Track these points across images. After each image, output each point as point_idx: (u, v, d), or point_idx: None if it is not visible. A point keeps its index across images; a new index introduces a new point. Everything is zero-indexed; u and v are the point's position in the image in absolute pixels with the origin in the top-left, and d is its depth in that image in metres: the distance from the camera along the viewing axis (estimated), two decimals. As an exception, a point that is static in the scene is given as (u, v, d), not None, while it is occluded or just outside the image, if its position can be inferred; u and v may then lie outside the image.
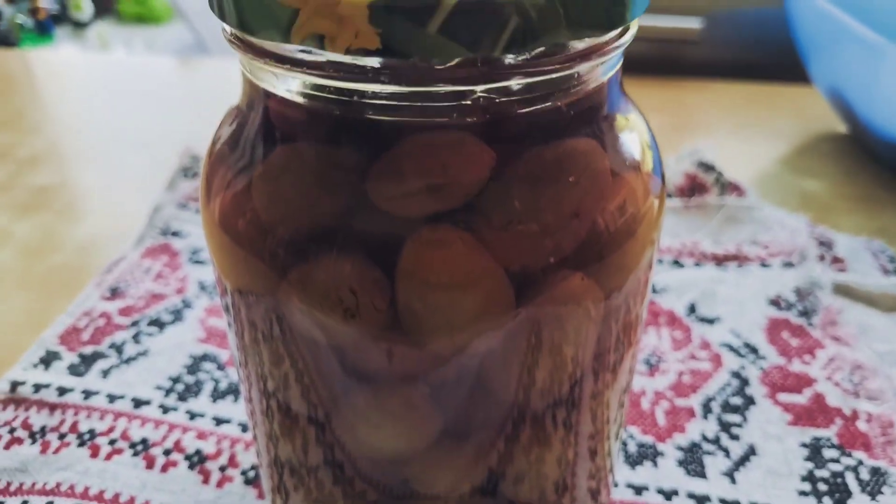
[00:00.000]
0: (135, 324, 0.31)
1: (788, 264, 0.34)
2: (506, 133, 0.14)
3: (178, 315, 0.31)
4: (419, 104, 0.13)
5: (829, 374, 0.28)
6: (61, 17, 2.21)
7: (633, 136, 0.16)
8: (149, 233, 0.36)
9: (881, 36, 0.37)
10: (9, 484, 0.24)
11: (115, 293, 0.32)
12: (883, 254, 0.36)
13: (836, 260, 0.34)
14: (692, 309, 0.32)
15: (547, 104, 0.14)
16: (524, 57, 0.12)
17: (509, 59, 0.12)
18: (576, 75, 0.13)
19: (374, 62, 0.12)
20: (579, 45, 0.13)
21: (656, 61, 0.59)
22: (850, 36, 0.38)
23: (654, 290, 0.33)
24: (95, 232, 0.39)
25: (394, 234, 0.14)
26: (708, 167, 0.38)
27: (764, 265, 0.34)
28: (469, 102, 0.13)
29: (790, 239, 0.35)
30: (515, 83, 0.13)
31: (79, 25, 2.18)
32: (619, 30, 0.13)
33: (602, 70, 0.14)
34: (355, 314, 0.14)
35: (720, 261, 0.34)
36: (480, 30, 0.11)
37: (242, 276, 0.16)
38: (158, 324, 0.31)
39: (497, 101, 0.13)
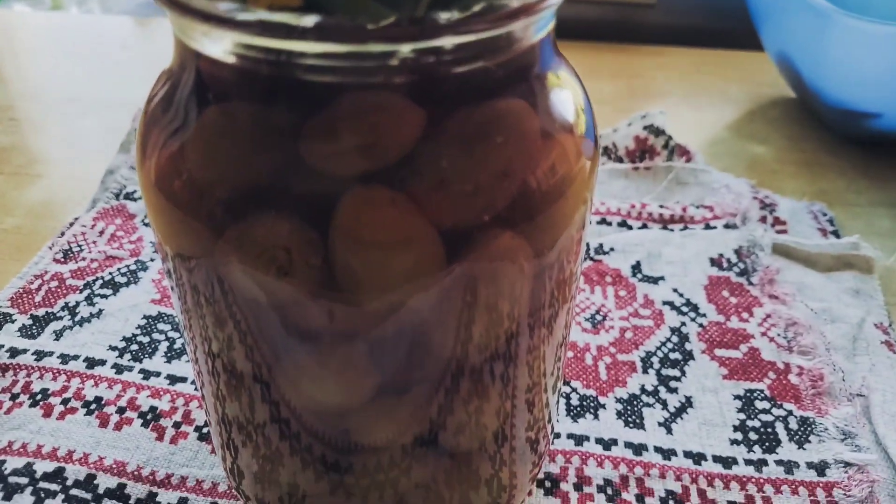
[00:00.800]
0: (88, 285, 0.31)
1: (731, 226, 0.35)
2: (436, 93, 0.14)
3: (132, 276, 0.31)
4: (348, 64, 0.13)
5: (765, 331, 0.30)
6: (13, -27, 2.12)
7: (565, 97, 0.17)
8: (102, 195, 0.36)
9: (828, 2, 0.37)
10: (-39, 443, 0.25)
11: (67, 256, 0.32)
12: (823, 216, 0.37)
13: (777, 222, 0.36)
14: (637, 268, 0.33)
15: (477, 64, 0.14)
16: (453, 17, 0.12)
17: (437, 18, 0.12)
18: (506, 35, 0.14)
19: (299, 20, 0.12)
20: (510, 4, 0.13)
21: (613, 26, 0.60)
22: (799, 2, 0.39)
23: (602, 251, 0.34)
24: (49, 196, 0.38)
25: (327, 193, 0.14)
26: (658, 131, 0.39)
27: (708, 227, 0.35)
28: (398, 63, 0.13)
29: (734, 202, 0.36)
30: (444, 43, 0.13)
31: (31, -18, 2.09)
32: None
33: (534, 30, 0.15)
34: (289, 272, 0.14)
35: (666, 223, 0.35)
36: (403, -9, 0.12)
37: (180, 237, 0.16)
38: (112, 285, 0.31)
39: (427, 61, 0.13)
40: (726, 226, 0.35)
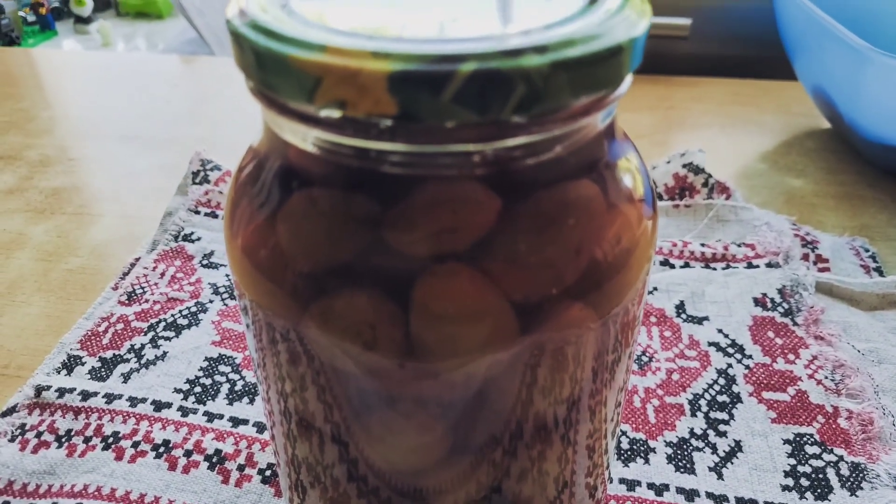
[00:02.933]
0: (152, 328, 0.32)
1: (774, 265, 0.35)
2: (511, 181, 0.15)
3: (193, 319, 0.33)
4: (432, 159, 0.14)
5: (812, 373, 0.30)
6: (62, 11, 2.20)
7: (627, 170, 0.18)
8: (162, 237, 0.37)
9: (865, 41, 0.38)
10: (38, 486, 0.26)
11: (131, 298, 0.34)
12: (865, 252, 0.37)
13: (819, 259, 0.36)
14: (681, 308, 0.33)
15: (549, 154, 0.15)
16: (529, 118, 0.13)
17: (516, 120, 0.13)
18: (576, 127, 0.15)
19: (391, 124, 0.13)
20: (580, 102, 0.14)
21: (647, 58, 0.60)
22: (834, 39, 0.39)
23: (647, 292, 0.34)
24: (109, 235, 0.40)
25: (408, 271, 0.15)
26: (697, 169, 0.39)
27: (750, 265, 0.35)
28: (478, 157, 0.14)
29: (776, 240, 0.36)
30: (520, 141, 0.14)
31: (80, 20, 2.18)
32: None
33: (600, 118, 0.16)
34: (374, 346, 0.15)
35: (708, 261, 0.36)
36: (490, 97, 0.13)
37: (265, 300, 0.17)
38: (175, 327, 0.32)
39: (503, 154, 0.14)
40: (769, 265, 0.35)
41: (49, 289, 0.36)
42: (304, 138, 0.15)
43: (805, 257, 0.36)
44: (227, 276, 0.35)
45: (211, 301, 0.34)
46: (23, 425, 0.28)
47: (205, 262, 0.36)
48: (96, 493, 0.26)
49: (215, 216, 0.39)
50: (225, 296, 0.34)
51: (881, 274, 0.36)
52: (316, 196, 0.16)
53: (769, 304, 0.33)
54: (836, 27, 0.40)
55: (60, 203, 0.42)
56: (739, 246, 0.36)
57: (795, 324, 0.32)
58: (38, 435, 0.28)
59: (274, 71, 0.14)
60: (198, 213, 0.39)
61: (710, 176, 0.39)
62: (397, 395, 0.17)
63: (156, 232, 0.38)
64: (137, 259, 0.36)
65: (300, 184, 0.16)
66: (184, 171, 0.43)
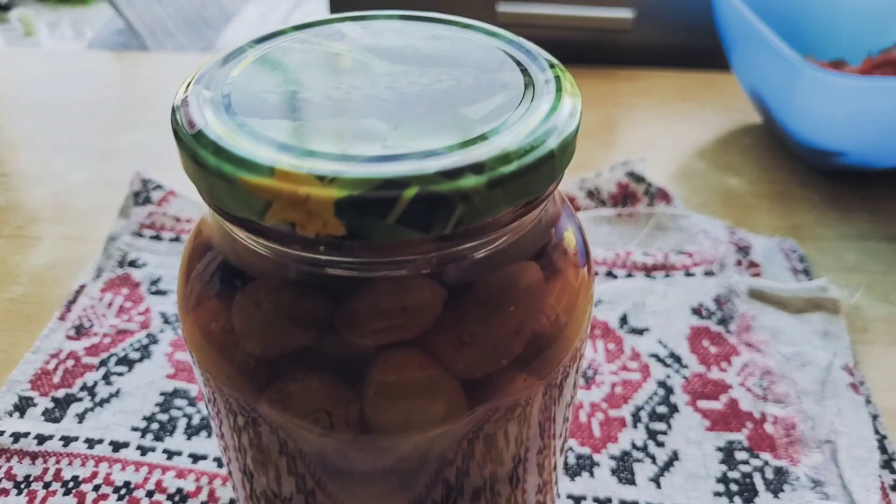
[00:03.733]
0: (103, 363, 0.32)
1: (710, 273, 0.37)
2: (456, 272, 0.16)
3: (145, 351, 0.33)
4: (378, 265, 0.15)
5: (743, 380, 0.32)
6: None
7: (567, 240, 0.19)
8: (106, 264, 0.37)
9: (799, 39, 0.39)
10: (1, 535, 0.26)
11: (80, 331, 0.34)
12: (794, 253, 0.39)
13: (752, 265, 0.38)
14: (624, 320, 0.35)
15: (491, 248, 0.16)
16: (469, 230, 0.14)
17: (459, 233, 0.14)
18: (514, 227, 0.16)
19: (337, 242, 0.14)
20: (517, 207, 0.15)
21: (591, 48, 0.61)
22: (767, 47, 0.41)
23: (591, 303, 0.36)
24: (50, 259, 0.39)
25: (360, 356, 0.16)
26: (638, 178, 0.41)
27: (688, 274, 0.37)
28: (422, 261, 0.15)
29: (712, 247, 0.38)
30: (462, 247, 0.15)
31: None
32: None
33: (538, 211, 0.17)
34: (330, 429, 0.16)
35: (649, 271, 0.37)
36: (432, 217, 0.13)
37: (221, 376, 0.18)
38: (127, 362, 0.32)
39: (447, 256, 0.15)
40: (706, 273, 0.37)
41: (-7, 320, 0.35)
42: (253, 241, 0.16)
43: (738, 263, 0.38)
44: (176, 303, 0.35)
45: (162, 331, 0.34)
46: (-23, 473, 0.28)
47: (153, 288, 0.36)
48: (59, 540, 0.26)
49: (160, 239, 0.38)
50: (176, 324, 0.34)
51: (808, 275, 0.38)
52: (263, 296, 0.16)
53: (704, 313, 0.35)
54: (769, 36, 0.41)
55: (-2, 225, 0.41)
56: (678, 254, 0.38)
57: (728, 331, 0.34)
58: (-5, 482, 0.28)
59: (223, 188, 0.14)
60: (142, 236, 0.38)
61: (650, 185, 0.41)
62: (352, 467, 0.17)
63: (100, 258, 0.37)
64: (82, 287, 0.36)
65: (246, 279, 0.16)
66: (125, 185, 0.42)
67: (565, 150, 0.15)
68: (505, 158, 0.14)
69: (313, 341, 0.16)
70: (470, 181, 0.13)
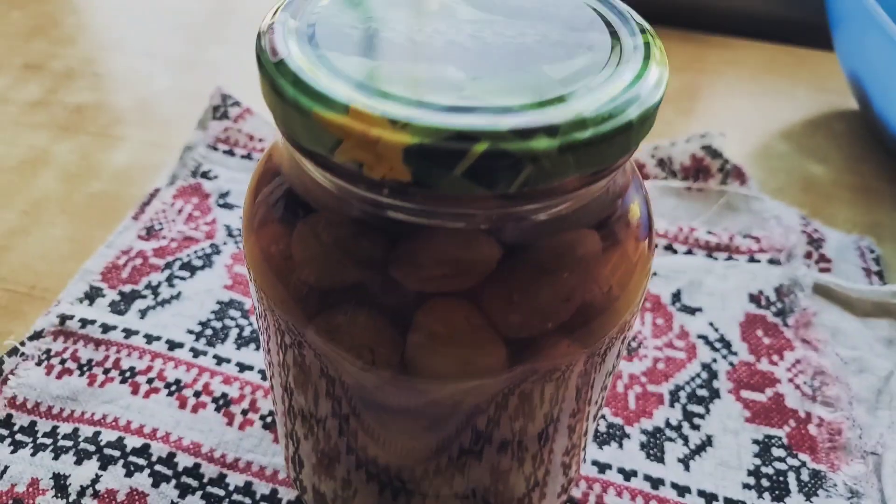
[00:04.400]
0: (168, 266, 0.34)
1: (775, 261, 0.36)
2: (515, 232, 0.16)
3: (207, 260, 0.34)
4: (439, 215, 0.15)
5: (793, 377, 0.31)
6: None
7: (632, 214, 0.19)
8: (181, 172, 0.38)
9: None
10: (62, 410, 0.28)
11: (150, 233, 0.35)
12: (870, 253, 0.38)
13: (822, 259, 0.37)
14: (677, 297, 0.35)
15: (553, 212, 0.16)
16: (535, 192, 0.14)
17: (524, 195, 0.14)
18: (581, 194, 0.15)
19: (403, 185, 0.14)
20: (586, 175, 0.15)
21: (683, 11, 0.59)
22: (877, 27, 0.38)
23: (647, 275, 0.35)
24: (130, 160, 0.41)
25: (409, 300, 0.16)
26: (715, 153, 0.39)
27: (752, 259, 0.36)
28: (482, 217, 0.15)
29: (782, 235, 0.37)
30: (526, 208, 0.15)
31: None
32: (623, 155, 0.15)
33: (606, 181, 0.16)
34: (371, 365, 0.17)
35: (711, 250, 0.36)
36: (499, 175, 0.13)
37: (276, 296, 0.19)
38: (189, 268, 0.34)
39: (508, 215, 0.15)
40: (771, 261, 0.36)
41: (72, 211, 0.37)
42: (320, 174, 0.16)
43: (808, 255, 0.37)
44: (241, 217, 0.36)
45: (225, 243, 0.35)
46: (48, 351, 0.30)
47: (221, 201, 0.37)
48: (113, 423, 0.28)
49: (233, 154, 0.39)
50: (238, 239, 0.35)
51: (882, 278, 0.36)
52: (324, 229, 0.16)
53: (763, 302, 0.34)
54: (881, 17, 0.38)
55: (84, 121, 0.43)
56: (745, 237, 0.37)
57: (786, 324, 0.33)
58: (63, 362, 0.30)
59: (297, 120, 0.14)
60: (216, 149, 0.39)
61: (727, 161, 0.39)
62: (388, 403, 0.18)
63: (175, 165, 0.38)
64: (157, 190, 0.37)
65: (310, 210, 0.17)
66: (206, 98, 0.43)
67: (644, 122, 0.15)
68: (581, 124, 0.14)
69: (366, 279, 0.17)
70: (542, 143, 0.13)
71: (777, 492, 0.28)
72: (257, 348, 0.31)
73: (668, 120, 0.47)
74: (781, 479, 0.28)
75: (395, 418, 0.19)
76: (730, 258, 0.36)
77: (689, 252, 0.36)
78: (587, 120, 0.14)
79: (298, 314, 0.18)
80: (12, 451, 0.27)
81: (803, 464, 0.28)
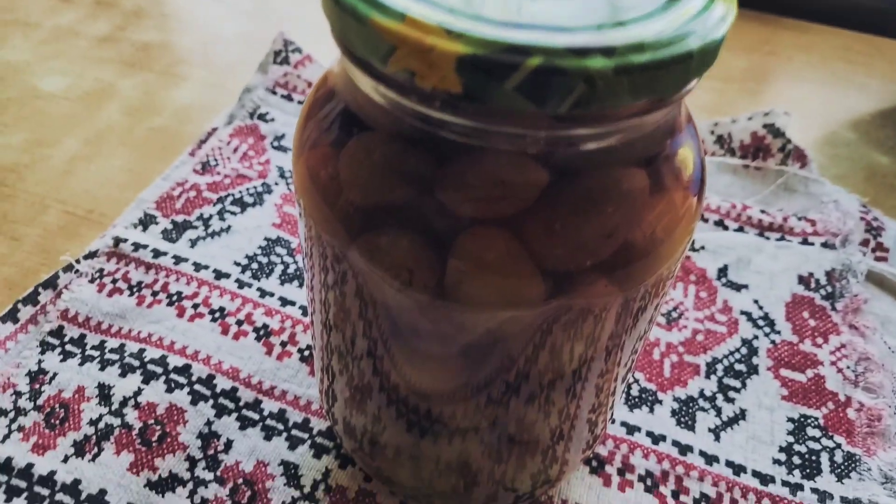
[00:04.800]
0: (220, 200, 0.35)
1: (829, 245, 0.35)
2: (562, 161, 0.16)
3: (258, 198, 0.35)
4: (488, 134, 0.15)
5: (836, 360, 0.31)
6: None
7: (682, 159, 0.18)
8: (238, 112, 0.39)
9: None
10: (110, 326, 0.29)
11: (205, 168, 0.36)
12: (930, 247, 0.36)
13: (879, 247, 0.35)
14: (724, 272, 0.34)
15: (603, 143, 0.16)
16: (586, 114, 0.14)
17: (574, 116, 0.14)
18: (633, 125, 0.15)
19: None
20: (640, 103, 0.14)
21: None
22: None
23: (693, 248, 0.35)
24: (191, 99, 0.42)
25: (451, 224, 0.17)
26: (777, 132, 0.38)
27: (805, 242, 0.35)
28: (531, 138, 0.15)
29: (839, 220, 0.36)
30: (575, 132, 0.15)
31: None
32: (679, 88, 0.15)
33: (660, 115, 0.16)
34: (408, 286, 0.17)
35: (764, 230, 0.36)
36: (551, 92, 0.13)
37: (319, 218, 0.19)
38: (241, 204, 0.35)
39: (557, 139, 0.15)
40: (824, 244, 0.35)
41: (132, 144, 0.39)
42: (374, 89, 0.16)
43: (865, 243, 0.35)
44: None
45: (276, 183, 0.36)
46: (101, 270, 0.31)
47: (275, 143, 0.38)
48: (158, 342, 0.29)
49: (290, 99, 0.40)
50: (290, 180, 0.36)
51: (939, 272, 0.35)
52: (374, 144, 0.17)
53: (813, 285, 0.33)
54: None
55: (150, 59, 0.44)
56: (800, 220, 0.36)
57: (834, 309, 0.33)
58: (114, 281, 0.31)
59: (353, 27, 0.14)
60: (275, 93, 0.40)
61: (788, 141, 0.38)
62: (423, 327, 0.18)
63: (233, 106, 0.39)
64: (214, 129, 0.38)
65: (363, 128, 0.17)
66: (268, 44, 0.44)
67: (705, 55, 0.14)
68: (639, 47, 0.14)
69: (411, 199, 0.17)
70: (597, 63, 0.13)
71: (808, 470, 0.27)
72: (300, 285, 0.32)
73: (731, 100, 0.46)
74: (814, 458, 0.27)
75: (429, 346, 0.19)
76: (782, 238, 0.35)
77: (741, 229, 0.36)
78: (646, 44, 0.14)
79: (342, 235, 0.18)
80: (62, 360, 0.28)
81: (838, 445, 0.28)
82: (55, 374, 0.28)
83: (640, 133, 0.16)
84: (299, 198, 0.20)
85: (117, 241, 0.32)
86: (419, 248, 0.17)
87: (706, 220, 0.36)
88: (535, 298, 0.17)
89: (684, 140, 0.18)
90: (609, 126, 0.15)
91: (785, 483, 0.27)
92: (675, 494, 0.26)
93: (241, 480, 0.25)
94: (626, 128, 0.15)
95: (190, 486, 0.25)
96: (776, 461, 0.27)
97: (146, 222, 0.33)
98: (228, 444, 0.26)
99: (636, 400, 0.29)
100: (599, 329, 0.19)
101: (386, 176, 0.17)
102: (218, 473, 0.26)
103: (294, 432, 0.27)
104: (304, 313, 0.31)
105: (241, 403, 0.28)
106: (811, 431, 0.28)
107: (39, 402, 0.27)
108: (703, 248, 0.35)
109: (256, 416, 0.27)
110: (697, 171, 0.19)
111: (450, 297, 0.17)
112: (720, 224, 0.36)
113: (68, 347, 0.29)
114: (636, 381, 0.30)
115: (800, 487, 0.27)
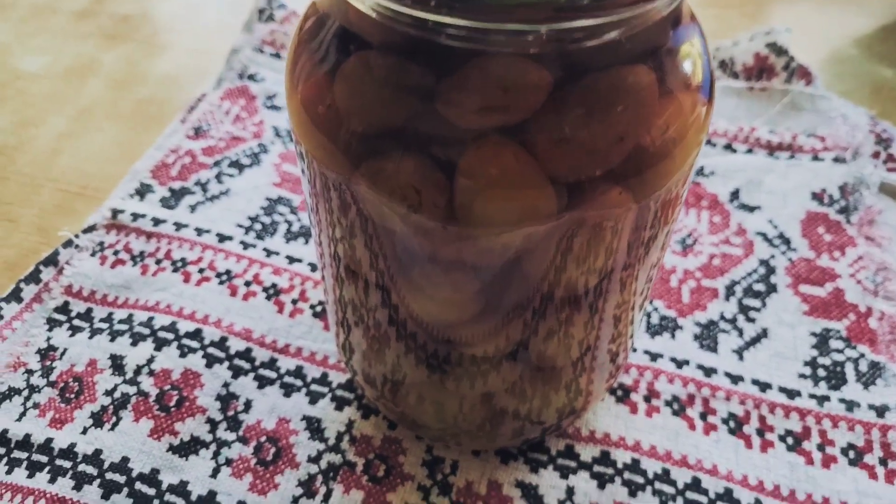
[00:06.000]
0: (217, 164, 0.34)
1: (840, 160, 0.34)
2: (566, 61, 0.15)
3: (255, 159, 0.34)
4: (487, 35, 0.14)
5: (854, 272, 0.30)
6: None
7: (688, 55, 0.17)
8: (227, 75, 0.38)
9: None
10: (116, 298, 0.29)
11: (198, 132, 0.35)
12: (943, 154, 0.35)
13: (890, 158, 0.35)
14: (735, 195, 0.33)
15: (607, 37, 0.15)
16: (589, 1, 0.13)
17: (576, 4, 0.13)
18: (638, 13, 0.14)
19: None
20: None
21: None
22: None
23: (702, 173, 0.34)
24: (176, 67, 0.41)
25: (456, 141, 0.16)
26: (780, 50, 0.37)
27: (816, 158, 0.34)
28: (533, 36, 0.14)
29: (849, 133, 0.35)
30: (580, 24, 0.14)
31: None
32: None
33: (665, 3, 0.15)
34: (418, 209, 0.16)
35: (773, 149, 0.35)
36: (550, -22, 0.13)
37: (321, 154, 0.18)
38: (238, 166, 0.34)
39: (560, 35, 0.14)
40: (835, 159, 0.34)
41: (120, 117, 0.38)
42: (365, 1, 0.15)
43: (876, 155, 0.35)
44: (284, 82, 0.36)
45: (272, 143, 0.35)
46: (101, 243, 0.31)
47: (268, 103, 0.37)
48: (167, 309, 0.28)
49: (279, 57, 0.39)
50: (286, 139, 0.35)
51: (953, 179, 0.34)
52: (372, 61, 0.16)
53: (826, 200, 0.33)
54: None
55: (130, 30, 0.43)
56: (809, 137, 0.35)
57: (849, 222, 0.32)
58: (116, 253, 0.30)
59: (339, -70, 0.14)
60: (262, 52, 0.39)
61: (792, 59, 0.37)
62: (436, 255, 0.18)
63: (221, 69, 0.38)
64: (203, 95, 0.37)
65: (358, 47, 0.16)
66: (251, 4, 0.43)
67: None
68: (640, -78, 0.13)
69: (412, 118, 0.16)
70: (598, -60, 0.12)
71: (833, 381, 0.27)
72: (306, 242, 0.31)
73: (731, 24, 0.45)
74: (839, 369, 0.27)
75: (445, 276, 0.18)
76: (792, 157, 0.35)
77: (750, 151, 0.35)
78: (648, -81, 0.13)
79: (346, 165, 0.17)
80: (71, 335, 0.28)
81: (862, 355, 0.27)
82: (65, 350, 0.27)
83: (642, 25, 0.15)
84: (298, 141, 0.19)
85: (115, 212, 0.31)
86: (426, 168, 0.16)
87: (714, 145, 0.35)
88: (549, 212, 0.16)
89: (688, 34, 0.17)
90: (610, 14, 0.14)
91: (812, 396, 0.26)
92: (703, 416, 0.26)
93: (264, 438, 0.25)
94: (627, 18, 0.15)
95: (213, 447, 0.25)
96: (801, 375, 0.27)
97: (143, 192, 0.33)
98: (248, 404, 0.26)
99: (657, 327, 0.28)
100: (613, 247, 0.18)
101: (385, 93, 0.16)
102: (240, 433, 0.25)
103: (313, 387, 0.27)
104: (313, 269, 0.30)
105: (257, 363, 0.27)
106: (834, 343, 0.28)
107: (52, 377, 0.26)
108: (712, 173, 0.34)
109: (274, 375, 0.27)
110: (706, 73, 0.18)
111: (461, 218, 0.16)
112: (728, 148, 0.35)
113: (76, 322, 0.28)
114: (655, 308, 0.29)
115: (826, 399, 0.26)
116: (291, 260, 0.30)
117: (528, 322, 0.20)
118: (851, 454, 0.25)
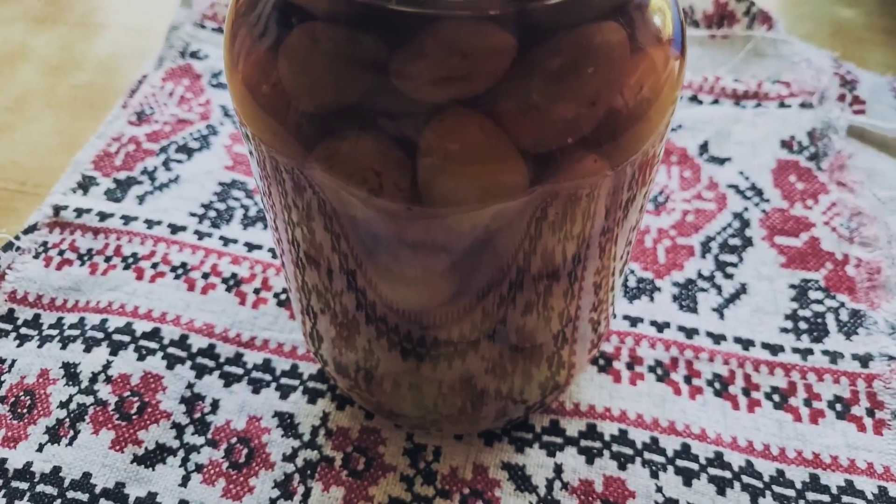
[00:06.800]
0: (163, 150, 0.32)
1: (807, 105, 0.33)
2: (529, 21, 0.14)
3: (204, 142, 0.32)
4: (442, -3, 0.13)
5: (828, 220, 0.30)
6: None
7: (657, 8, 0.16)
8: (168, 53, 0.36)
9: None
10: (65, 301, 0.27)
11: (141, 117, 0.33)
12: (907, 93, 0.35)
13: (856, 101, 0.34)
14: (704, 148, 0.32)
15: (572, -8, 0.13)
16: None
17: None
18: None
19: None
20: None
21: None
22: None
23: (671, 128, 0.33)
24: (114, 48, 0.38)
25: (416, 116, 0.15)
26: (741, -5, 0.36)
27: (783, 105, 0.34)
28: (491, -5, 0.13)
29: (813, 78, 0.34)
30: (540, -22, 0.12)
31: None
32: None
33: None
34: (379, 192, 0.15)
35: (739, 99, 0.34)
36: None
37: (269, 138, 0.17)
38: (186, 150, 0.32)
39: (521, -8, 0.13)
40: (802, 105, 0.33)
41: (57, 105, 0.35)
42: (304, -35, 0.14)
43: (841, 98, 0.34)
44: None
45: (222, 123, 0.33)
46: (45, 243, 0.29)
47: (214, 81, 0.35)
48: (120, 309, 0.27)
49: (222, 31, 0.37)
50: (236, 118, 0.33)
51: (920, 117, 0.34)
52: (318, 33, 0.14)
53: (795, 147, 0.32)
54: None
55: (61, 12, 0.40)
56: (774, 83, 0.34)
57: (820, 168, 0.31)
58: (61, 253, 0.28)
59: None
60: (204, 27, 0.37)
61: (752, 3, 0.36)
62: (403, 238, 0.16)
63: (161, 47, 0.36)
64: (145, 76, 0.35)
65: (301, 18, 0.15)
66: (188, -22, 0.40)
67: None
68: None
69: (367, 94, 0.15)
70: None
71: (815, 333, 0.26)
72: (265, 227, 0.30)
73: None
74: (820, 320, 0.27)
75: (413, 262, 0.17)
76: (759, 105, 0.34)
77: (716, 102, 0.34)
78: None
79: (297, 149, 0.16)
80: (18, 345, 0.26)
81: (842, 304, 0.27)
82: (14, 361, 0.26)
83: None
84: (243, 124, 0.18)
85: (57, 209, 0.29)
86: (385, 147, 0.15)
87: (680, 98, 0.34)
88: (520, 186, 0.15)
89: (660, -15, 0.16)
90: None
91: (795, 350, 0.26)
92: (688, 379, 0.25)
93: (234, 440, 0.24)
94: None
95: (181, 454, 0.24)
96: (783, 329, 0.27)
97: (86, 185, 0.31)
98: (215, 405, 0.25)
99: (635, 291, 0.28)
100: (590, 216, 0.17)
101: (334, 68, 0.14)
102: (209, 436, 0.24)
103: (283, 381, 0.25)
104: (274, 256, 0.29)
105: (222, 360, 0.26)
106: (813, 294, 0.27)
107: (1, 392, 0.25)
108: (680, 126, 0.33)
109: (240, 371, 0.26)
110: (676, 24, 0.17)
111: (426, 199, 0.15)
112: (694, 99, 0.34)
113: (23, 331, 0.26)
114: (632, 271, 0.28)
115: (809, 352, 0.26)
116: (251, 247, 0.29)
117: (505, 297, 0.19)
118: (838, 407, 0.24)
